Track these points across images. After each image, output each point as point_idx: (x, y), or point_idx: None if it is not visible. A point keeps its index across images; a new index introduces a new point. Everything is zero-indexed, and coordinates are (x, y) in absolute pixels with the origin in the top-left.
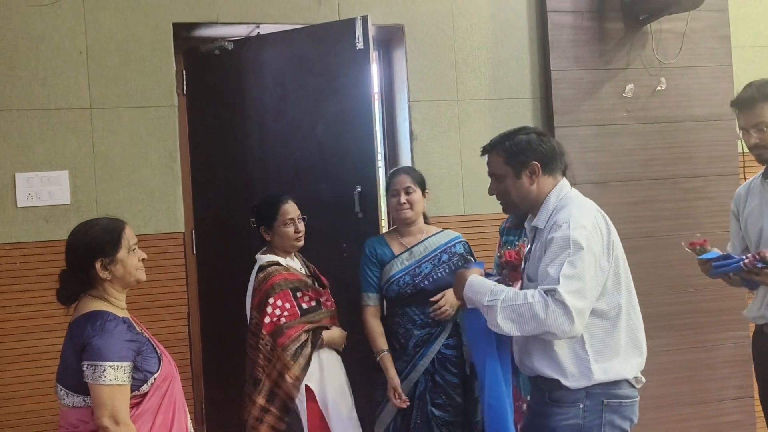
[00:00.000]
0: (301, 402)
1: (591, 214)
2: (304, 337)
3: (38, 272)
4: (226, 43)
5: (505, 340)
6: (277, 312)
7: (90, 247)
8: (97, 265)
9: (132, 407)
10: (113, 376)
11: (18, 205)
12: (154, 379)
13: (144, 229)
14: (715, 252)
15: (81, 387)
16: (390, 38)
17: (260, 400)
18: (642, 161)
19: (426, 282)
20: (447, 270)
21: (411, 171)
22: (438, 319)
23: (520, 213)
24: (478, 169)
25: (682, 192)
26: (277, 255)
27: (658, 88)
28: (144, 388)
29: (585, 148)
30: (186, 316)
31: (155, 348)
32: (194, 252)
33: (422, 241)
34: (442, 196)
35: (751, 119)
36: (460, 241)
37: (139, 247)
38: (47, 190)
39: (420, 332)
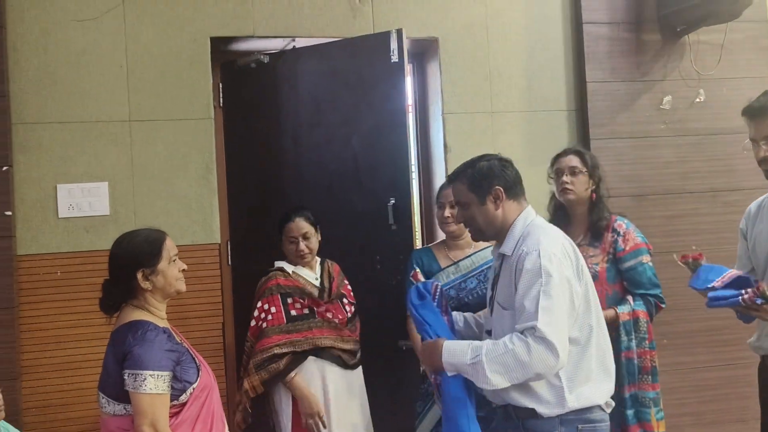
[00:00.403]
0: (283, 411)
1: (559, 241)
2: (276, 351)
3: (78, 282)
4: (262, 57)
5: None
6: (262, 315)
7: (132, 258)
8: (139, 275)
9: (171, 416)
10: (153, 384)
11: (59, 216)
12: (193, 389)
13: (181, 240)
14: (709, 266)
15: (122, 395)
16: (424, 51)
17: (237, 396)
18: (681, 174)
19: (470, 297)
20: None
21: None
22: None
23: (486, 240)
24: None
25: (723, 205)
26: (289, 263)
27: (697, 99)
28: (183, 397)
29: (621, 161)
30: (221, 327)
31: (194, 358)
32: (229, 263)
33: (469, 256)
34: None
35: (763, 130)
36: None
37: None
38: (87, 201)
39: None
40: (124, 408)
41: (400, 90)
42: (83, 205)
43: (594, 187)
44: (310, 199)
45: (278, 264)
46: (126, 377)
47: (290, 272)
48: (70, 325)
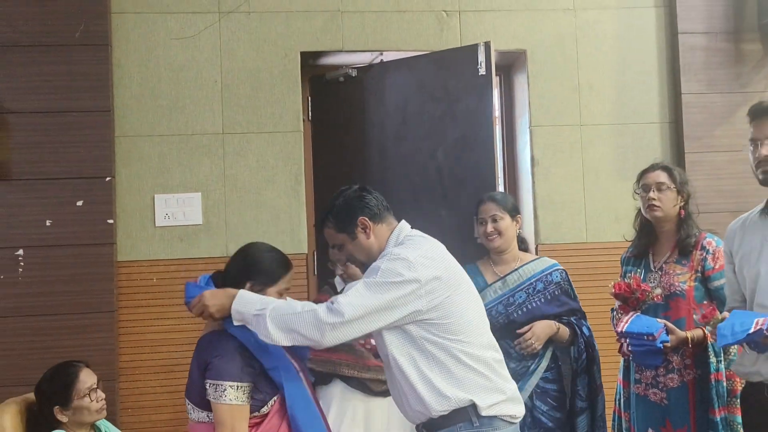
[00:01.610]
0: None
1: (421, 248)
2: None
3: (172, 288)
4: (350, 70)
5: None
6: None
7: (250, 268)
8: (247, 286)
9: (252, 427)
10: (233, 396)
11: (156, 225)
12: (274, 400)
13: None
14: (728, 321)
15: (205, 403)
16: (511, 63)
17: None
18: None
19: (519, 312)
20: (542, 300)
21: (498, 197)
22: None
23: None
24: (602, 195)
25: None
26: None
27: None
28: (264, 409)
29: (718, 175)
30: None
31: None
32: (315, 273)
33: (516, 269)
34: (564, 223)
35: (765, 130)
36: (557, 270)
37: (288, 294)
38: (182, 211)
39: (515, 365)
40: (207, 416)
41: (487, 103)
42: (178, 214)
43: (683, 203)
44: (395, 212)
45: (336, 279)
46: (207, 387)
47: (339, 290)
48: (165, 330)
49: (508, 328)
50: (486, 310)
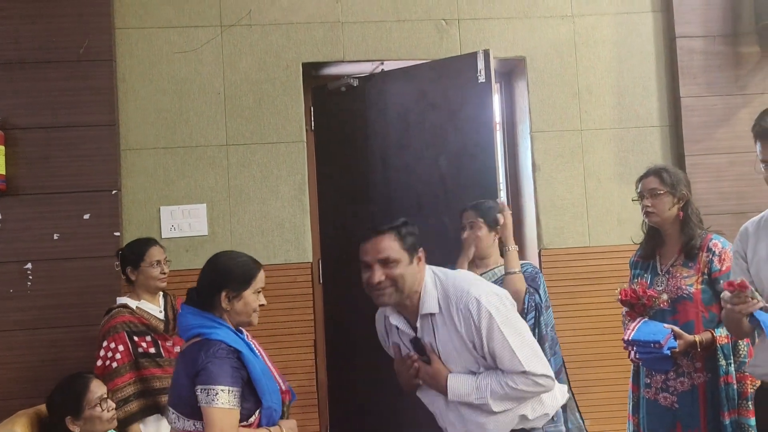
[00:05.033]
0: None
1: (472, 275)
2: (130, 390)
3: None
4: (352, 80)
5: None
6: (109, 355)
7: (224, 276)
8: (222, 294)
9: None
10: (225, 399)
11: (162, 236)
12: (260, 411)
13: (274, 260)
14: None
15: (193, 412)
16: (511, 70)
17: None
18: None
19: None
20: None
21: (479, 207)
22: None
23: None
24: (603, 199)
25: None
26: (135, 297)
27: None
28: (251, 419)
29: (720, 177)
30: (312, 344)
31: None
32: (320, 281)
33: (491, 269)
34: (566, 228)
35: None
36: (527, 264)
37: (268, 278)
38: (188, 222)
39: None
40: (194, 424)
41: (487, 110)
42: (184, 226)
43: (681, 204)
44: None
45: (120, 300)
46: (198, 393)
47: (134, 308)
48: None
49: None
50: None
